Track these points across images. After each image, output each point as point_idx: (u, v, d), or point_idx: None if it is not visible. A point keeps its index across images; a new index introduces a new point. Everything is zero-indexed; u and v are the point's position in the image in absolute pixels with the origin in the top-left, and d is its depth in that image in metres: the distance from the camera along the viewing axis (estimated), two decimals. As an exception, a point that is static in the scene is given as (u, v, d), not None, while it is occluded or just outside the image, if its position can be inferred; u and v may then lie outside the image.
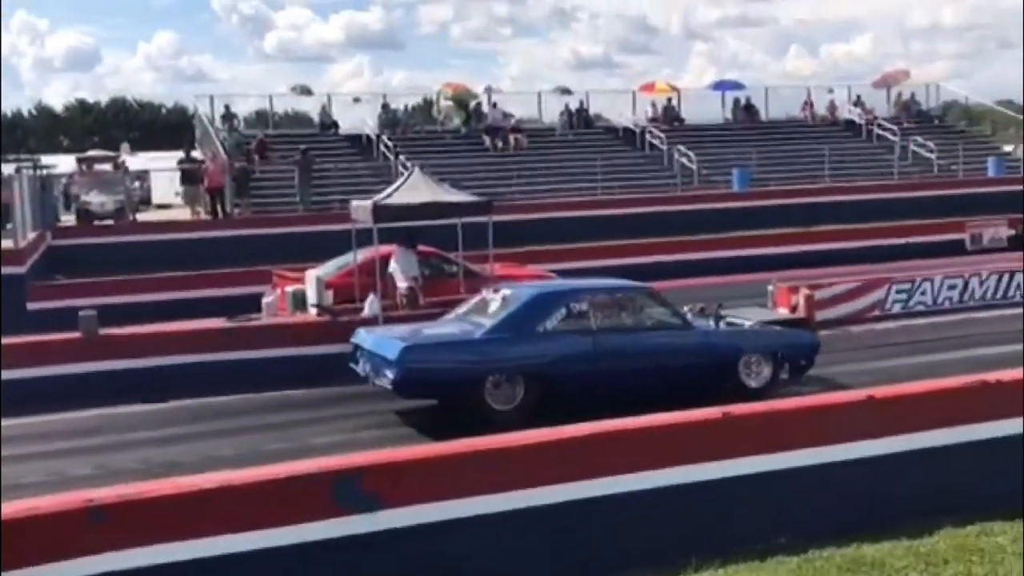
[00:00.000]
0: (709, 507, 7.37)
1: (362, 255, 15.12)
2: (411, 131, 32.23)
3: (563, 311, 11.38)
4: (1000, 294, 17.75)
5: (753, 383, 11.77)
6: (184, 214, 27.35)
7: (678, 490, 7.28)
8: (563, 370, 11.06)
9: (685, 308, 12.31)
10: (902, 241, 24.33)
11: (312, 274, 15.23)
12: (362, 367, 11.63)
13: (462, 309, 12.25)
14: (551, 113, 34.83)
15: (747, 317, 13.24)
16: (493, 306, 11.65)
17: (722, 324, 12.38)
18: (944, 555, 6.85)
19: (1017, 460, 8.18)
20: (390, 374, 10.86)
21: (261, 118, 35.30)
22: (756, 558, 6.93)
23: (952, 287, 17.54)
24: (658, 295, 12.18)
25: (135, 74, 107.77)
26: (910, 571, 6.61)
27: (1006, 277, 17.93)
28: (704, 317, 12.45)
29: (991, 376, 8.60)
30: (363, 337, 11.87)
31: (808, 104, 36.74)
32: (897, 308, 17.01)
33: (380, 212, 14.34)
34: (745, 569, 6.79)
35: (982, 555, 6.81)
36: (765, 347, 12.02)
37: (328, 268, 15.80)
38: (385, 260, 14.81)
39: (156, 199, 33.63)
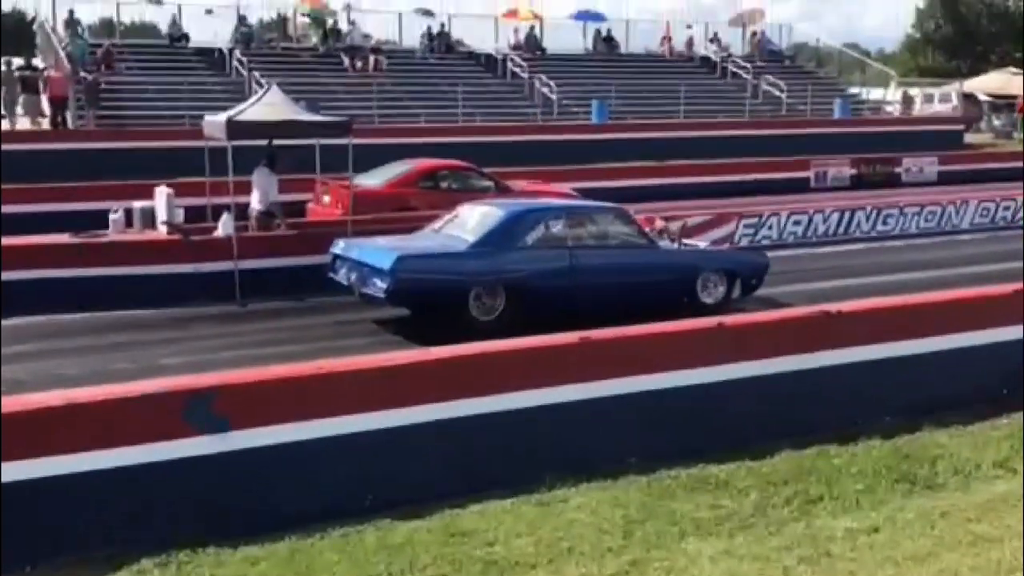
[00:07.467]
0: (564, 428, 7.53)
1: (408, 167, 16.61)
2: (266, 47, 31.26)
3: (542, 228, 11.87)
4: (842, 230, 18.53)
5: (709, 300, 12.40)
6: (23, 124, 26.00)
7: (532, 412, 7.41)
8: (541, 283, 11.51)
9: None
10: (751, 177, 25.05)
11: (162, 190, 14.71)
12: (344, 276, 11.76)
13: (438, 224, 12.42)
14: (410, 35, 34.36)
15: None
16: (472, 222, 11.96)
17: (681, 244, 13.00)
18: (784, 475, 7.18)
19: (854, 387, 8.65)
20: (381, 283, 11.05)
21: (106, 27, 33.59)
22: (608, 477, 7.14)
23: (797, 223, 18.20)
24: (627, 215, 12.72)
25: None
26: (752, 490, 6.90)
27: (847, 214, 18.72)
28: (663, 238, 13.06)
29: (832, 307, 9.06)
30: (346, 247, 11.99)
31: (667, 39, 37.20)
32: (745, 242, 17.54)
33: (234, 128, 13.90)
34: (597, 488, 6.97)
35: (819, 476, 7.17)
36: (722, 266, 12.70)
37: (374, 178, 16.32)
38: (427, 173, 16.34)
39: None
